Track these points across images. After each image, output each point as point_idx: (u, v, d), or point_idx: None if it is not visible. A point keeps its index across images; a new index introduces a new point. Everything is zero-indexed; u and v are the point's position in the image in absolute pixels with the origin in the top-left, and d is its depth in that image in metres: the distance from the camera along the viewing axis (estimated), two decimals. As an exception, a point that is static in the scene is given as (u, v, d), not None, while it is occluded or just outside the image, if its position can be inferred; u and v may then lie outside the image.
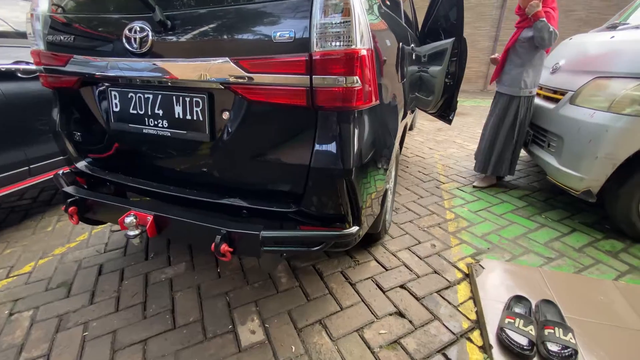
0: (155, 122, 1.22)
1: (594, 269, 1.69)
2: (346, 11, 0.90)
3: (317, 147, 1.04)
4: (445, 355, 1.22)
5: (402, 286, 1.57)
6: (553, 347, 1.13)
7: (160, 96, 1.18)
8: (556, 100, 2.19)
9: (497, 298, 1.42)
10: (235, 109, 1.10)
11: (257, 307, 1.45)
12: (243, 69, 0.99)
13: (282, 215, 1.17)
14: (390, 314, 1.41)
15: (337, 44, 0.91)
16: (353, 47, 0.92)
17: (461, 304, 1.47)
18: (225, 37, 1.01)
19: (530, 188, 2.69)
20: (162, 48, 1.09)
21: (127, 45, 1.12)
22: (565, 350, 1.11)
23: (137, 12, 1.10)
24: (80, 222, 1.38)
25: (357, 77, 0.94)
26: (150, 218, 1.18)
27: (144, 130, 1.25)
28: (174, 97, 1.16)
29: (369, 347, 1.25)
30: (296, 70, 0.95)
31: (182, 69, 1.08)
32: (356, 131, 1.04)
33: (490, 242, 1.94)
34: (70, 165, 1.52)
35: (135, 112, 1.24)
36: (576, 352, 1.11)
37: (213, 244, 1.07)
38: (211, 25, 1.03)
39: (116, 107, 1.28)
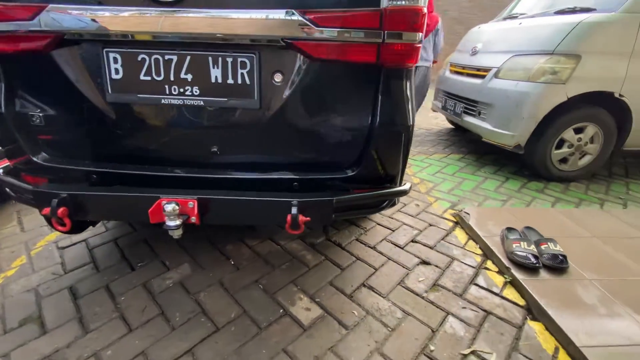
0: (181, 90, 1.02)
1: (535, 203, 2.18)
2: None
3: (381, 105, 1.06)
4: (477, 284, 1.42)
5: (413, 241, 1.73)
6: (550, 256, 1.44)
7: (189, 57, 0.99)
8: (481, 77, 2.68)
9: (491, 233, 1.70)
10: (290, 70, 1.02)
11: (297, 286, 1.39)
12: (312, 23, 0.93)
13: (335, 182, 1.15)
14: (418, 264, 1.54)
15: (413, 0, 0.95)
16: (420, 3, 0.97)
17: (465, 244, 1.71)
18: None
19: (461, 152, 3.22)
20: (203, -3, 0.92)
21: (151, -8, 0.90)
22: (560, 257, 1.44)
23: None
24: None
25: (420, 33, 1.00)
26: (192, 203, 1.00)
27: (162, 101, 1.03)
28: (210, 58, 0.99)
29: (417, 295, 1.36)
30: (369, 24, 0.95)
31: (231, 22, 0.93)
32: (412, 88, 1.10)
33: (457, 196, 2.27)
34: (21, 157, 1.13)
35: (148, 78, 1.01)
36: (565, 256, 1.45)
37: (289, 217, 0.99)
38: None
39: (116, 73, 1.01)
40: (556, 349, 1.12)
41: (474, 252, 1.64)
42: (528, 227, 1.70)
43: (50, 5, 0.93)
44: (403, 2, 0.95)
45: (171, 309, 1.26)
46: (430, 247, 1.67)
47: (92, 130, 1.11)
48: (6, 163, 1.19)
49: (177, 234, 1.00)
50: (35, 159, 1.12)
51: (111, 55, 1.00)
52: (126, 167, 1.12)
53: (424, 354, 1.10)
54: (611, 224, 1.85)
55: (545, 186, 2.43)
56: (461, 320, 1.24)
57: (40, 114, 1.08)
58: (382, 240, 1.73)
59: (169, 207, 0.97)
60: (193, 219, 1.02)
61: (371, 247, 1.66)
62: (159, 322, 1.20)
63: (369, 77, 1.04)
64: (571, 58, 2.13)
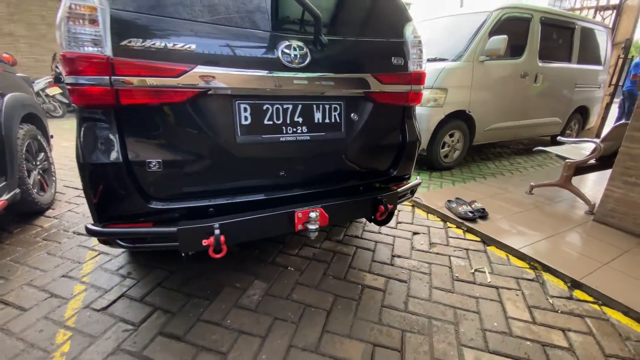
0: (295, 130, 1.36)
1: (445, 184, 3.24)
2: (420, 45, 1.60)
3: (406, 128, 1.67)
4: (451, 237, 2.20)
5: (398, 222, 2.40)
6: (479, 210, 2.38)
7: (300, 106, 1.35)
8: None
9: (438, 206, 2.56)
10: (362, 110, 1.50)
11: (355, 268, 1.82)
12: (379, 81, 1.46)
13: (383, 182, 1.69)
14: (413, 235, 2.21)
15: (419, 66, 1.61)
16: (423, 69, 1.65)
17: (427, 217, 2.50)
18: (365, 59, 1.43)
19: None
20: (315, 65, 1.31)
21: (283, 60, 1.23)
22: (483, 209, 2.39)
23: (296, 32, 1.25)
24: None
25: (422, 85, 1.68)
26: (317, 212, 1.34)
27: (281, 139, 1.34)
28: (314, 106, 1.38)
29: (426, 252, 2.02)
30: (405, 81, 1.56)
31: (331, 82, 1.36)
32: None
33: (398, 190, 3.11)
34: (134, 209, 1.18)
35: (271, 122, 1.31)
36: (484, 208, 2.42)
37: (381, 207, 1.47)
38: (355, 50, 1.41)
39: (245, 120, 1.26)
40: (507, 256, 1.99)
41: (436, 220, 2.45)
42: (457, 198, 2.64)
43: (198, 67, 1.13)
44: (418, 68, 1.61)
45: (280, 313, 1.48)
46: (411, 223, 2.38)
47: (218, 169, 1.27)
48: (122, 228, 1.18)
49: (314, 235, 1.32)
50: (157, 204, 1.19)
51: (242, 106, 1.25)
52: (246, 196, 1.33)
53: (453, 280, 1.75)
54: (488, 188, 3.04)
55: (442, 174, 3.59)
56: (458, 257, 1.97)
57: (167, 159, 1.18)
58: (395, 227, 2.33)
59: (313, 215, 1.29)
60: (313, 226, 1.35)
61: (377, 233, 2.23)
62: (280, 325, 1.42)
63: (400, 111, 1.64)
64: (443, 90, 3.32)
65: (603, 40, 4.86)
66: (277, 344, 1.32)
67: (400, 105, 1.60)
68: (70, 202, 2.61)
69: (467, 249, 2.06)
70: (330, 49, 1.35)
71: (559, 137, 2.90)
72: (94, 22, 1.01)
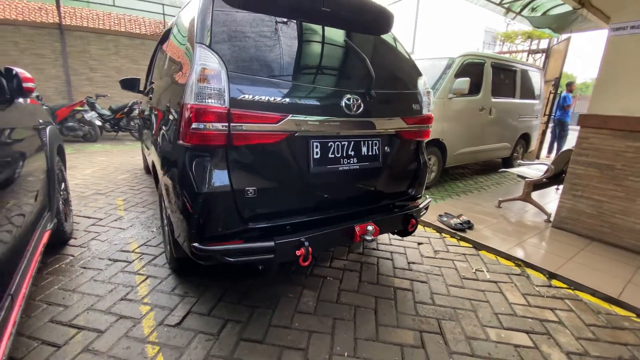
0: (348, 161, 1.71)
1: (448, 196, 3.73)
2: (429, 94, 2.07)
3: (420, 156, 2.11)
4: (449, 245, 2.64)
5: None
6: (466, 222, 2.87)
7: (353, 142, 1.71)
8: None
9: (431, 220, 3.01)
10: (392, 144, 1.90)
11: (383, 274, 2.15)
12: (406, 123, 1.89)
13: (405, 201, 2.08)
14: (418, 245, 2.62)
15: (429, 110, 2.07)
16: (426, 112, 2.11)
17: (424, 229, 2.93)
18: (396, 106, 1.85)
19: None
20: (366, 111, 1.69)
21: (345, 109, 1.60)
22: (469, 222, 2.89)
23: (353, 88, 1.63)
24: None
25: (431, 124, 2.14)
26: (372, 227, 1.68)
27: (339, 169, 1.68)
28: (362, 142, 1.75)
29: (434, 258, 2.42)
30: (424, 122, 2.00)
31: (377, 124, 1.75)
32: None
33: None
34: (238, 225, 1.43)
35: (333, 156, 1.65)
36: (469, 220, 2.92)
37: (413, 221, 1.85)
38: (390, 100, 1.82)
39: (317, 154, 1.59)
40: (496, 257, 2.46)
41: (432, 232, 2.89)
42: (446, 212, 3.13)
43: (290, 116, 1.45)
44: (428, 112, 2.06)
45: (336, 314, 1.75)
46: (414, 235, 2.79)
47: (297, 194, 1.56)
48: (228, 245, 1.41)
49: (370, 243, 1.64)
50: (252, 224, 1.45)
51: (314, 143, 1.57)
52: (315, 214, 1.63)
53: (461, 278, 2.16)
54: (464, 204, 3.59)
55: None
56: (459, 260, 2.39)
57: (260, 187, 1.46)
58: (390, 239, 2.70)
59: (370, 228, 1.62)
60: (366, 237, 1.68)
61: (389, 244, 2.60)
62: (341, 323, 1.69)
63: (417, 144, 2.07)
64: (423, 121, 3.90)
65: (537, 79, 5.95)
66: (344, 337, 1.59)
67: (417, 139, 2.04)
68: (88, 231, 2.64)
69: (464, 254, 2.50)
70: (375, 100, 1.74)
71: (518, 162, 3.58)
72: (217, 81, 1.30)
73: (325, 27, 1.76)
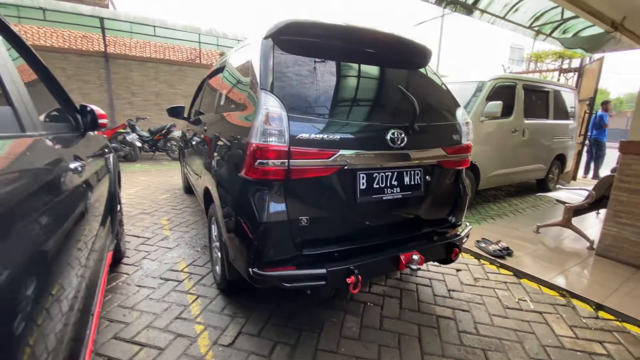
0: (392, 191, 1.78)
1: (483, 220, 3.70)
2: (468, 125, 2.13)
3: (461, 183, 2.15)
4: (488, 272, 2.61)
5: (439, 261, 2.79)
6: (505, 248, 2.83)
7: (396, 173, 1.79)
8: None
9: (470, 246, 2.99)
10: (433, 173, 1.97)
11: (424, 302, 2.16)
12: (446, 153, 1.95)
13: (446, 228, 2.12)
14: (457, 272, 2.60)
15: (468, 139, 2.12)
16: (465, 142, 2.16)
17: (462, 257, 2.92)
18: (437, 137, 1.93)
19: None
20: (409, 144, 1.77)
21: (390, 143, 1.69)
22: (508, 248, 2.85)
23: (397, 122, 1.73)
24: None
25: (470, 153, 2.19)
26: (417, 256, 1.73)
27: (383, 198, 1.75)
28: (404, 172, 1.83)
29: (474, 285, 2.40)
30: (464, 151, 2.06)
31: (419, 155, 1.83)
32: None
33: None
34: (293, 252, 1.53)
35: (378, 186, 1.73)
36: (508, 247, 2.87)
37: (456, 249, 1.88)
38: (431, 132, 1.90)
39: (363, 185, 1.68)
40: (539, 286, 2.41)
41: (470, 258, 2.87)
42: (483, 238, 3.10)
43: (341, 151, 1.56)
44: (467, 141, 2.12)
45: (380, 340, 1.79)
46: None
47: (345, 223, 1.66)
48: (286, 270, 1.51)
49: (415, 271, 1.69)
50: (305, 250, 1.55)
51: (361, 175, 1.67)
52: (361, 242, 1.71)
53: (504, 308, 2.13)
54: (501, 229, 3.53)
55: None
56: (500, 289, 2.36)
57: (312, 216, 1.56)
58: (427, 265, 2.71)
59: (415, 257, 1.67)
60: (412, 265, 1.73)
61: (427, 271, 2.61)
62: (386, 350, 1.72)
63: (457, 173, 2.12)
64: (454, 144, 3.92)
65: (571, 99, 5.84)
66: (391, 365, 1.62)
67: (457, 168, 2.09)
68: (139, 250, 2.83)
69: (505, 282, 2.47)
70: (417, 132, 1.83)
71: (557, 185, 3.51)
72: (279, 123, 1.44)
73: (370, 66, 1.89)
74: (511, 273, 2.61)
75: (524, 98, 4.71)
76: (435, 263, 2.70)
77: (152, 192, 4.86)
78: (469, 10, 4.28)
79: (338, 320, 1.95)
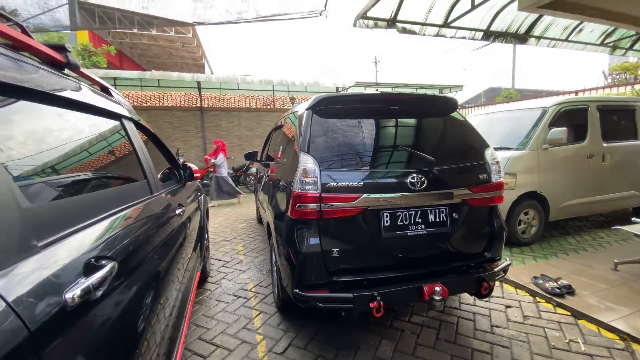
0: (416, 227, 2.03)
1: (527, 260, 3.52)
2: (497, 164, 2.25)
3: (495, 220, 2.24)
4: (542, 310, 2.51)
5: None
6: (566, 286, 2.67)
7: (420, 211, 2.04)
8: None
9: (525, 282, 2.88)
10: (460, 211, 2.13)
11: (461, 334, 2.24)
12: (471, 192, 2.11)
13: (481, 263, 2.21)
14: (506, 308, 2.57)
15: (498, 177, 2.23)
16: (502, 179, 2.26)
17: (516, 292, 2.83)
18: (461, 178, 2.12)
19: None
20: (430, 186, 2.02)
21: (410, 186, 1.97)
22: (569, 286, 2.68)
23: (417, 168, 2.02)
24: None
25: (502, 190, 2.28)
26: (440, 288, 1.91)
27: (408, 234, 2.01)
28: (429, 210, 2.06)
29: (521, 323, 2.36)
30: (490, 189, 2.18)
31: (441, 196, 2.05)
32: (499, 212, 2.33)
33: (481, 264, 3.48)
34: (324, 279, 1.89)
35: (402, 223, 2.00)
36: (570, 285, 2.70)
37: (485, 284, 1.99)
38: (453, 173, 2.11)
39: (387, 222, 1.97)
40: (598, 329, 2.24)
41: (524, 294, 2.77)
42: (542, 274, 2.95)
43: (364, 195, 1.90)
44: (498, 179, 2.23)
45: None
46: (502, 297, 2.74)
47: (371, 255, 1.97)
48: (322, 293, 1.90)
49: (439, 303, 1.86)
50: (335, 277, 1.89)
51: (384, 214, 1.97)
52: (387, 272, 1.98)
53: (550, 348, 2.07)
54: (571, 265, 3.26)
55: (522, 250, 3.87)
56: (551, 328, 2.27)
57: (342, 248, 1.91)
58: (474, 300, 2.72)
59: (438, 289, 1.86)
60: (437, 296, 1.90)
61: (473, 305, 2.63)
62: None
63: (489, 209, 2.23)
64: (512, 175, 3.82)
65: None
66: (416, 387, 1.79)
67: (488, 205, 2.21)
68: (220, 272, 3.50)
69: (559, 322, 2.35)
70: (437, 175, 2.06)
71: (633, 218, 3.14)
72: (313, 175, 1.87)
73: (391, 119, 2.23)
74: (569, 313, 2.46)
75: (600, 120, 4.32)
76: (484, 299, 2.72)
77: (232, 222, 5.74)
78: (521, 39, 4.25)
79: (374, 343, 2.18)
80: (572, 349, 2.05)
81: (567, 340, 2.14)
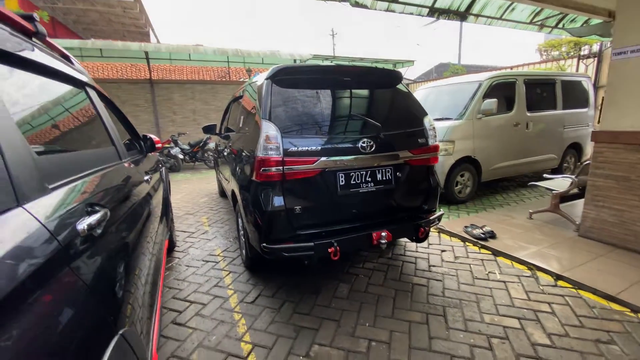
0: (367, 185, 2.34)
1: (462, 215, 4.09)
2: (434, 130, 2.61)
3: (431, 177, 2.63)
4: (472, 252, 3.03)
5: (429, 243, 3.25)
6: (489, 232, 3.22)
7: (369, 171, 2.34)
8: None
9: (457, 231, 3.41)
10: (402, 170, 2.48)
11: (405, 273, 2.67)
12: (412, 154, 2.46)
13: (420, 213, 2.61)
14: (441, 252, 3.06)
15: (434, 141, 2.60)
16: (437, 142, 2.64)
17: (451, 239, 3.35)
18: (403, 141, 2.44)
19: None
20: (378, 149, 2.31)
21: (361, 149, 2.25)
22: (492, 231, 3.24)
23: (367, 133, 2.29)
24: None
25: (438, 152, 2.66)
26: (385, 233, 2.27)
27: (360, 191, 2.31)
28: (377, 170, 2.37)
29: (458, 262, 2.85)
30: (428, 151, 2.54)
31: (387, 157, 2.36)
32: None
33: (425, 221, 3.98)
34: (290, 231, 2.15)
35: (354, 182, 2.30)
36: (493, 230, 3.26)
37: (422, 229, 2.38)
38: (398, 138, 2.42)
39: (342, 182, 2.25)
40: (512, 262, 2.80)
41: (457, 241, 3.30)
42: (472, 224, 3.50)
43: (322, 158, 2.15)
44: (434, 142, 2.60)
45: (363, 299, 2.34)
46: (439, 244, 3.24)
47: (329, 210, 2.25)
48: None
49: (384, 246, 2.22)
50: (299, 231, 2.16)
51: (340, 174, 2.25)
52: (343, 224, 2.28)
53: (474, 278, 2.57)
54: (496, 216, 3.88)
55: (458, 207, 4.46)
56: (476, 265, 2.79)
57: (303, 206, 2.17)
58: (417, 247, 3.18)
59: (384, 234, 2.21)
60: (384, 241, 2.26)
61: (415, 251, 3.09)
62: (366, 305, 2.27)
63: (426, 168, 2.61)
64: (451, 142, 4.31)
65: (585, 86, 5.86)
66: (367, 314, 2.17)
67: (426, 165, 2.58)
68: (186, 242, 3.62)
69: (482, 259, 2.89)
70: (385, 140, 2.36)
71: (544, 175, 3.78)
72: (275, 141, 2.06)
73: (345, 90, 2.46)
74: (490, 252, 3.01)
75: (525, 92, 4.94)
76: (424, 245, 3.19)
77: (193, 197, 5.75)
78: (462, 16, 4.63)
79: (333, 286, 2.53)
80: (490, 278, 2.57)
81: (487, 272, 2.66)
